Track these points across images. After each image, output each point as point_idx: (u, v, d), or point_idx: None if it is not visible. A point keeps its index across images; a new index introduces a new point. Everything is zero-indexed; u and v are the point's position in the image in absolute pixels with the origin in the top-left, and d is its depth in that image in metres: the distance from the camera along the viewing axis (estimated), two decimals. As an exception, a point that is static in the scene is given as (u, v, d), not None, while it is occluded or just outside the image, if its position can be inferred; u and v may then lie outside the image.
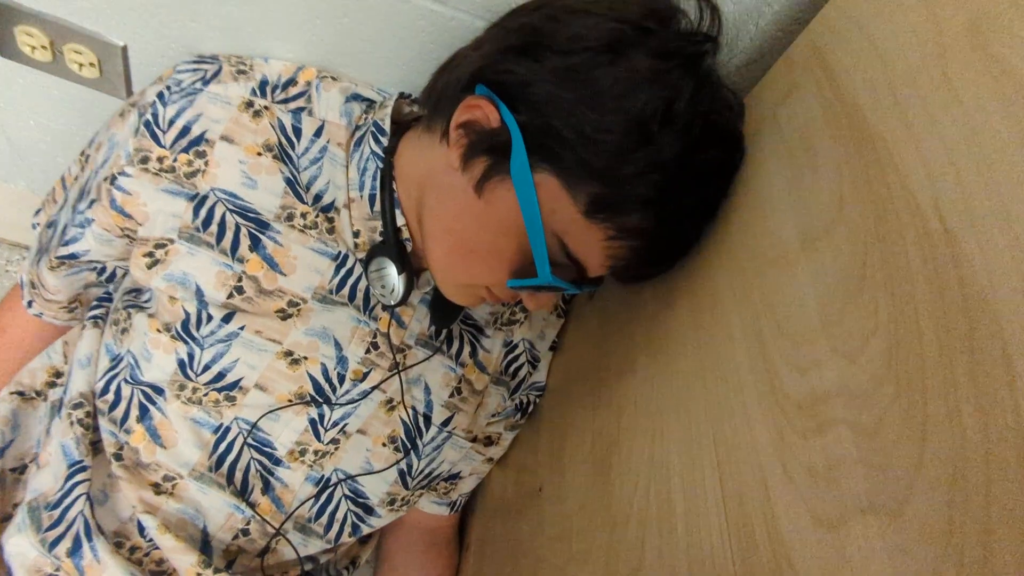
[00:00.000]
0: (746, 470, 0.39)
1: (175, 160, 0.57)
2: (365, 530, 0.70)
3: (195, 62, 0.60)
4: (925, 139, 0.33)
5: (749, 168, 0.50)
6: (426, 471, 0.70)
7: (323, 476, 0.65)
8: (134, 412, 0.61)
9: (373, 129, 0.60)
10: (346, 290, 0.61)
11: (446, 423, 0.69)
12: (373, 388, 0.64)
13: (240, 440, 0.62)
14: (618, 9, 0.48)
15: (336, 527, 0.68)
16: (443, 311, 0.65)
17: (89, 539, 0.58)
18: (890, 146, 0.36)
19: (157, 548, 0.61)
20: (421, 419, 0.67)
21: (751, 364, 0.42)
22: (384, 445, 0.66)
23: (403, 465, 0.68)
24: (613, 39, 0.47)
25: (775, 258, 0.43)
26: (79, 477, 0.60)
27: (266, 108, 0.59)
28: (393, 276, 0.58)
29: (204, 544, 0.62)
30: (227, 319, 0.58)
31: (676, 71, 0.47)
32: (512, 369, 0.74)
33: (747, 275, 0.46)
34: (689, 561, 0.42)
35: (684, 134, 0.47)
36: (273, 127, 0.59)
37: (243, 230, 0.58)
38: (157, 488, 0.61)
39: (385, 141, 0.59)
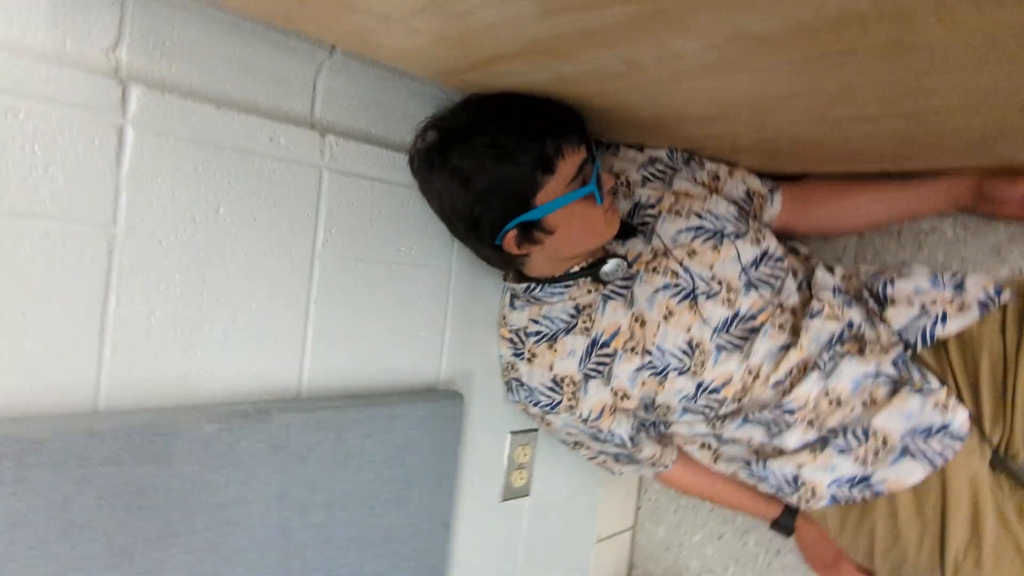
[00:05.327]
0: None
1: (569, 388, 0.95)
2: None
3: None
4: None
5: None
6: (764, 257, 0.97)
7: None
8: None
9: (521, 292, 0.99)
10: (618, 298, 0.94)
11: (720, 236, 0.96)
12: (692, 288, 0.93)
13: None
14: (448, 168, 0.82)
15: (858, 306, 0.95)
16: (625, 233, 0.95)
17: None
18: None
19: None
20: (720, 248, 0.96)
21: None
22: (733, 291, 0.93)
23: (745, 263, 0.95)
24: (455, 176, 0.82)
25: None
26: None
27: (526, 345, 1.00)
28: (610, 267, 0.91)
29: None
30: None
31: (470, 140, 0.81)
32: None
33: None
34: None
35: (501, 129, 0.80)
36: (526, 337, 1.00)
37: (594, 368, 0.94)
38: None
39: (521, 293, 0.99)
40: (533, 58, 0.68)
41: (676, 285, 0.92)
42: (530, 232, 0.86)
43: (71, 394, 0.65)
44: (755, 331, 0.90)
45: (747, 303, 0.91)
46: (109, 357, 0.67)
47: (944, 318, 0.86)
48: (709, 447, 1.01)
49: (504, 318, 1.02)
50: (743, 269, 0.93)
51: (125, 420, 0.65)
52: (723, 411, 0.93)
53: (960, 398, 0.84)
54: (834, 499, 0.88)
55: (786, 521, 1.07)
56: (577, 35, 0.60)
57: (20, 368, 0.62)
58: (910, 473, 0.83)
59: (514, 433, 1.12)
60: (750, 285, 0.93)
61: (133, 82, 0.67)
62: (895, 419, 0.83)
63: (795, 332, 0.90)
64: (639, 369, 0.92)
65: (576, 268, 0.93)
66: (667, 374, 0.91)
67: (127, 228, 0.67)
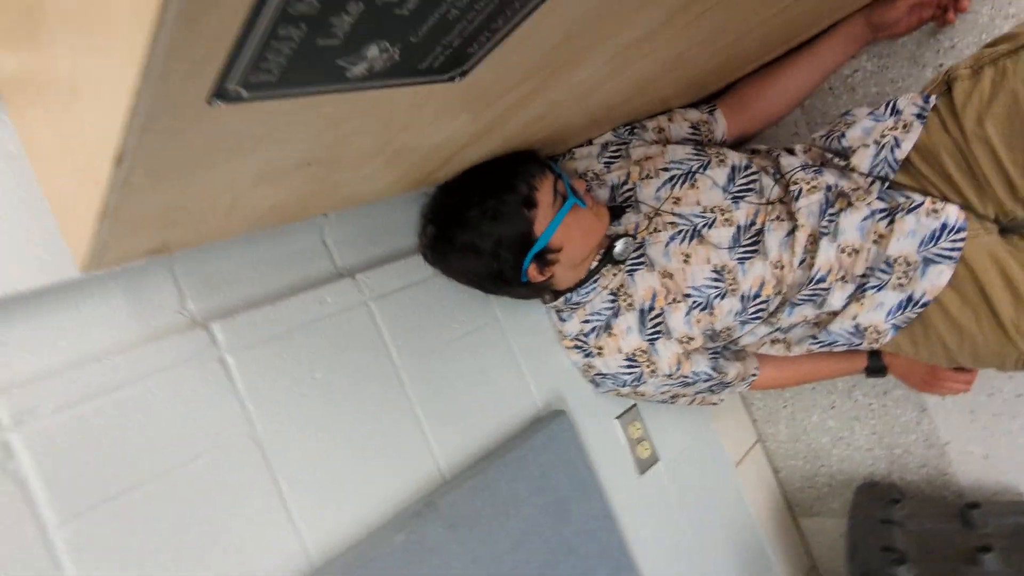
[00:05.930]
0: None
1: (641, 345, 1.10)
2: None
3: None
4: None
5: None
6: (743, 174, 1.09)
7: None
8: None
9: (563, 304, 1.13)
10: (641, 268, 1.08)
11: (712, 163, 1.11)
12: (676, 232, 1.08)
13: None
14: (465, 245, 0.99)
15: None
16: (616, 215, 1.10)
17: None
18: None
19: None
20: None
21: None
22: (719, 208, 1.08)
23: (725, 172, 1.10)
24: (466, 250, 0.99)
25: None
26: None
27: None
28: (620, 247, 1.05)
29: None
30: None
31: (462, 217, 0.98)
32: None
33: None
34: None
35: (480, 196, 0.97)
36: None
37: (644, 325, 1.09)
38: None
39: (563, 306, 1.13)
40: (479, 139, 0.83)
41: (679, 231, 1.05)
42: (544, 258, 1.00)
43: (291, 567, 0.81)
44: (760, 233, 1.03)
45: (742, 214, 1.04)
46: (302, 526, 0.83)
47: (897, 143, 0.98)
48: (778, 340, 1.13)
49: (561, 332, 1.16)
50: (723, 190, 1.06)
51: (339, 564, 0.81)
52: (772, 307, 1.05)
53: (945, 198, 0.96)
54: (895, 327, 1.00)
55: (875, 364, 1.19)
56: (505, 112, 0.75)
57: (252, 567, 0.78)
58: (939, 275, 0.94)
59: (618, 417, 1.26)
60: (736, 199, 1.05)
61: (210, 321, 0.83)
62: (904, 241, 0.95)
63: (791, 217, 1.02)
64: (688, 312, 1.05)
65: (594, 263, 1.07)
66: (712, 303, 1.04)
67: (263, 426, 0.83)
